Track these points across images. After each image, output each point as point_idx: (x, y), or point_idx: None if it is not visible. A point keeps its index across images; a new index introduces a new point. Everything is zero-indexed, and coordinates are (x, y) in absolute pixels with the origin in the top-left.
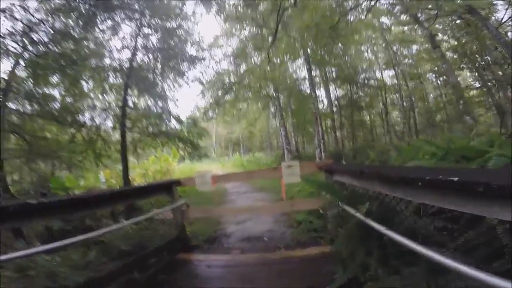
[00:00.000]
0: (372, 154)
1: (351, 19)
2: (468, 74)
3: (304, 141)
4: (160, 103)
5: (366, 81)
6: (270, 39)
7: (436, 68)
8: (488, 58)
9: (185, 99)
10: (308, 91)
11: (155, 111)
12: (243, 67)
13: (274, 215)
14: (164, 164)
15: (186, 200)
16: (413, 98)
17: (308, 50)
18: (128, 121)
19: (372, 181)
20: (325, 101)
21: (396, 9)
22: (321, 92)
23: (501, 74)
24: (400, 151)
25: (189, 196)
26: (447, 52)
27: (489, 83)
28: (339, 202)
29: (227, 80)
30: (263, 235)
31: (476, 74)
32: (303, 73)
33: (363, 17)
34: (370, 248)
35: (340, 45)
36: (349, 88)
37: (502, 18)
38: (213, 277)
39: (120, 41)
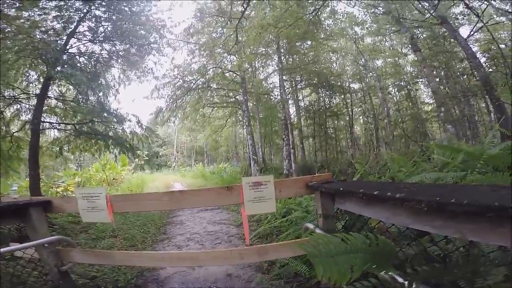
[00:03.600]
0: (359, 167)
1: (326, 24)
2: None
3: (271, 152)
4: (98, 98)
5: (334, 89)
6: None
7: (397, 82)
8: (457, 68)
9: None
10: (278, 99)
11: (91, 106)
12: (210, 67)
13: (235, 248)
14: (109, 172)
15: (62, 237)
16: (375, 112)
17: (282, 50)
18: (54, 116)
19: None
20: (293, 109)
21: (375, 11)
22: (291, 101)
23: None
24: (394, 162)
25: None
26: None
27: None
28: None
29: (190, 78)
30: (215, 285)
31: (442, 86)
32: (273, 79)
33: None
34: None
35: (311, 49)
36: (320, 95)
37: (472, 30)
38: None
39: (62, 21)
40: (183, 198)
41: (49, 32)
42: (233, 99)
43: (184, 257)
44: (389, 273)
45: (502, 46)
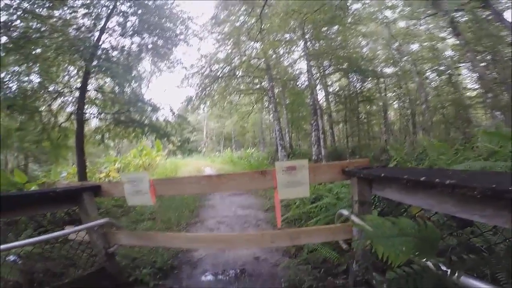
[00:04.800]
0: (396, 154)
1: (353, 9)
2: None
3: (298, 138)
4: (132, 89)
5: (366, 74)
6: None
7: (436, 67)
8: (505, 52)
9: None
10: (305, 85)
11: (127, 97)
12: (235, 55)
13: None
14: (146, 158)
15: (110, 219)
16: (411, 97)
17: (306, 36)
18: (95, 107)
19: None
20: (322, 94)
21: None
22: (319, 86)
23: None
24: (434, 149)
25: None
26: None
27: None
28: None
29: (216, 66)
30: (243, 268)
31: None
32: (301, 65)
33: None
34: None
35: (339, 35)
36: (350, 80)
37: None
38: None
39: (91, 18)
40: (220, 182)
41: (82, 29)
42: (259, 85)
43: (218, 239)
44: (430, 261)
45: None
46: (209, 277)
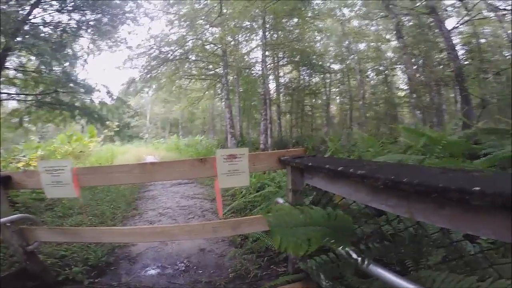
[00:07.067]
0: (331, 144)
1: (314, 3)
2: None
3: (249, 127)
4: (63, 68)
5: (315, 69)
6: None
7: (376, 67)
8: (436, 58)
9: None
10: (259, 73)
11: (56, 77)
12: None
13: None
14: (76, 144)
15: (26, 215)
16: (352, 93)
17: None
18: (12, 87)
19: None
20: (273, 85)
21: None
22: (272, 76)
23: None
24: (364, 142)
25: None
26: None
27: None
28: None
29: (167, 48)
30: (188, 260)
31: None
32: (256, 54)
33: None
34: None
35: (297, 27)
36: (300, 73)
37: (458, 22)
38: None
39: None
40: (155, 170)
41: (10, 3)
42: (213, 71)
43: (156, 231)
44: (345, 249)
45: (483, 40)
46: (150, 272)
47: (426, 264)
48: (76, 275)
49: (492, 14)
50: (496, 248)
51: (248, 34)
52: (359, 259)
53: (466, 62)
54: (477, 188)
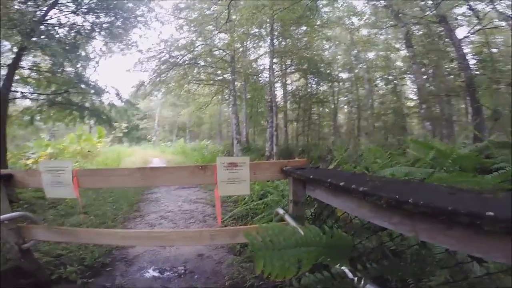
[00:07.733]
0: (337, 154)
1: (323, 11)
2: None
3: (255, 133)
4: (76, 69)
5: (323, 77)
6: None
7: (385, 76)
8: (446, 68)
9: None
10: (267, 80)
11: (67, 77)
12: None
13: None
14: (85, 144)
15: (25, 213)
16: (360, 102)
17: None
18: (26, 86)
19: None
20: (280, 92)
21: (376, 4)
22: (279, 84)
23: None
24: (371, 153)
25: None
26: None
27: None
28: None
29: (176, 53)
30: (185, 265)
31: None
32: (264, 61)
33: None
34: None
35: (305, 35)
36: (308, 81)
37: (469, 31)
38: None
39: None
40: (155, 175)
41: (28, 3)
42: (221, 77)
43: (154, 236)
44: (342, 268)
45: (494, 50)
46: (146, 275)
47: (428, 285)
48: (70, 275)
49: (504, 23)
50: (504, 270)
51: (256, 41)
52: (355, 278)
53: (477, 72)
54: (491, 213)
